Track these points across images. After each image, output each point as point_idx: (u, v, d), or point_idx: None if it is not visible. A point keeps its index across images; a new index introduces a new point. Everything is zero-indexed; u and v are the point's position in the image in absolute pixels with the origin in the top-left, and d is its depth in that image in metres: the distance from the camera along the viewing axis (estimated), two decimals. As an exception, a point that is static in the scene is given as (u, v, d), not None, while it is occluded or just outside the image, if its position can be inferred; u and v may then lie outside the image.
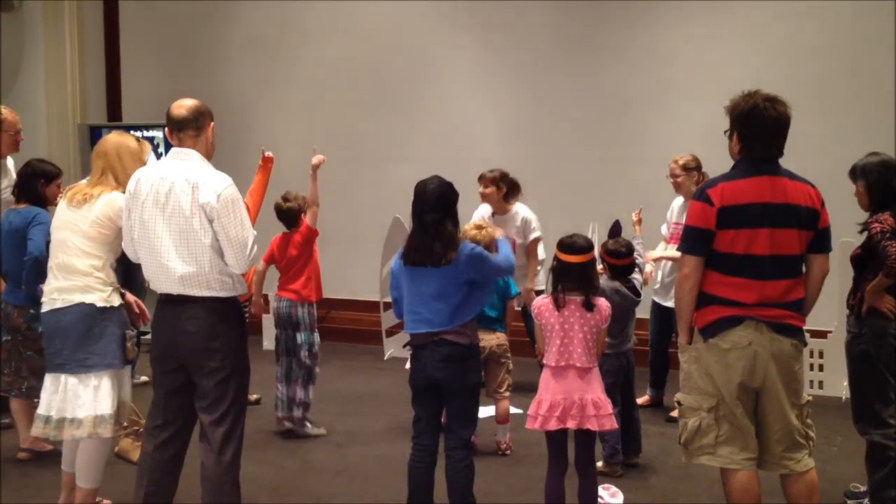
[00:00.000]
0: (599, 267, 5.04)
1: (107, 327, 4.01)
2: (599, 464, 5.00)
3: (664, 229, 6.21)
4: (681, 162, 5.94)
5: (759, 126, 3.47)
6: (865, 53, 6.80)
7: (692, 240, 3.53)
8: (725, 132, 3.63)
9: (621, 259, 4.95)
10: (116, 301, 4.07)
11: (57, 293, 4.03)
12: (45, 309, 4.09)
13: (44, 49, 8.77)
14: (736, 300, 3.45)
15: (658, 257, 5.93)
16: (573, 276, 4.01)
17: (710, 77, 7.24)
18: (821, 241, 3.56)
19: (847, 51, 6.83)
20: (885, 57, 6.71)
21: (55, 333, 4.02)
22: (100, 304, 4.00)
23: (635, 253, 5.00)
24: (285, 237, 5.64)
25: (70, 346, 3.98)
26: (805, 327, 3.60)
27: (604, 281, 4.95)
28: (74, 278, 4.02)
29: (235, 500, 3.73)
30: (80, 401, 3.97)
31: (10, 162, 5.62)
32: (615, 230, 5.05)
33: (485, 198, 6.27)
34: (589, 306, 3.99)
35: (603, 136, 7.64)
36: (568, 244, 4.08)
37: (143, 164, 4.08)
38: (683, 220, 5.88)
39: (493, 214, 6.35)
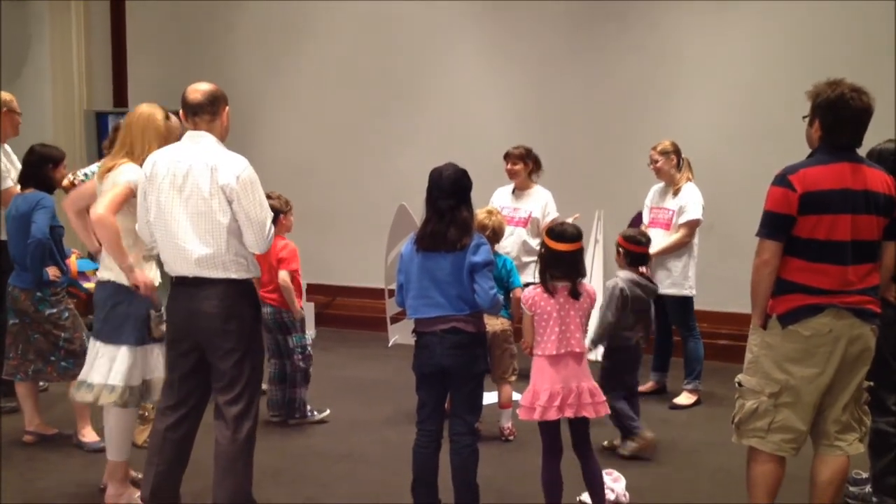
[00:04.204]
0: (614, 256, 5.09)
1: (129, 305, 4.05)
2: (616, 441, 5.04)
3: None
4: (658, 148, 6.06)
5: (844, 115, 3.47)
6: (871, 46, 6.75)
7: (773, 225, 3.50)
8: (804, 117, 3.63)
9: (639, 246, 4.97)
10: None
11: (101, 269, 4.18)
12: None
13: (49, 35, 8.76)
14: (818, 287, 3.46)
15: (657, 252, 5.83)
16: (561, 263, 4.00)
17: (720, 69, 7.24)
18: (895, 228, 3.58)
19: (854, 44, 6.77)
20: (888, 50, 6.67)
21: (94, 304, 4.19)
22: (121, 281, 4.03)
23: None
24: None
25: (100, 318, 4.12)
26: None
27: (622, 273, 4.95)
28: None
29: (248, 479, 3.77)
30: (100, 369, 4.08)
31: (8, 148, 5.63)
32: (637, 221, 5.07)
33: (513, 175, 6.46)
34: (575, 294, 3.99)
35: (610, 126, 7.63)
36: (558, 232, 4.07)
37: (168, 142, 3.96)
38: (662, 205, 6.02)
39: (514, 191, 6.52)
